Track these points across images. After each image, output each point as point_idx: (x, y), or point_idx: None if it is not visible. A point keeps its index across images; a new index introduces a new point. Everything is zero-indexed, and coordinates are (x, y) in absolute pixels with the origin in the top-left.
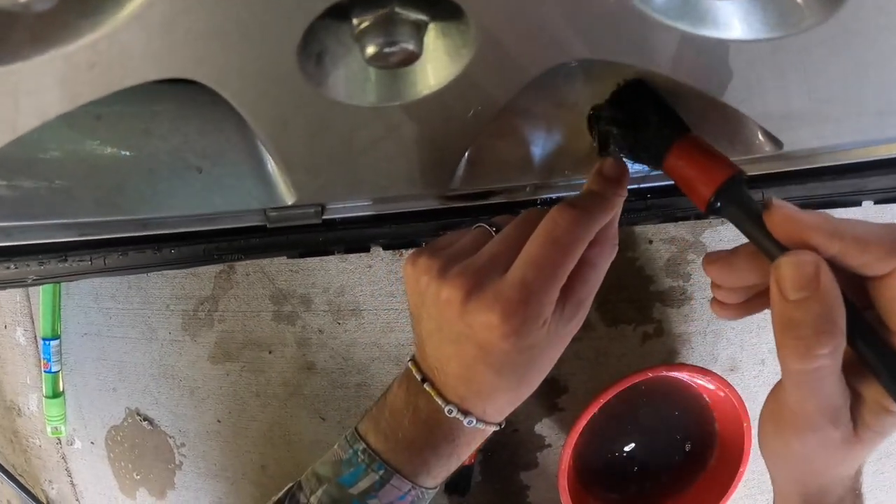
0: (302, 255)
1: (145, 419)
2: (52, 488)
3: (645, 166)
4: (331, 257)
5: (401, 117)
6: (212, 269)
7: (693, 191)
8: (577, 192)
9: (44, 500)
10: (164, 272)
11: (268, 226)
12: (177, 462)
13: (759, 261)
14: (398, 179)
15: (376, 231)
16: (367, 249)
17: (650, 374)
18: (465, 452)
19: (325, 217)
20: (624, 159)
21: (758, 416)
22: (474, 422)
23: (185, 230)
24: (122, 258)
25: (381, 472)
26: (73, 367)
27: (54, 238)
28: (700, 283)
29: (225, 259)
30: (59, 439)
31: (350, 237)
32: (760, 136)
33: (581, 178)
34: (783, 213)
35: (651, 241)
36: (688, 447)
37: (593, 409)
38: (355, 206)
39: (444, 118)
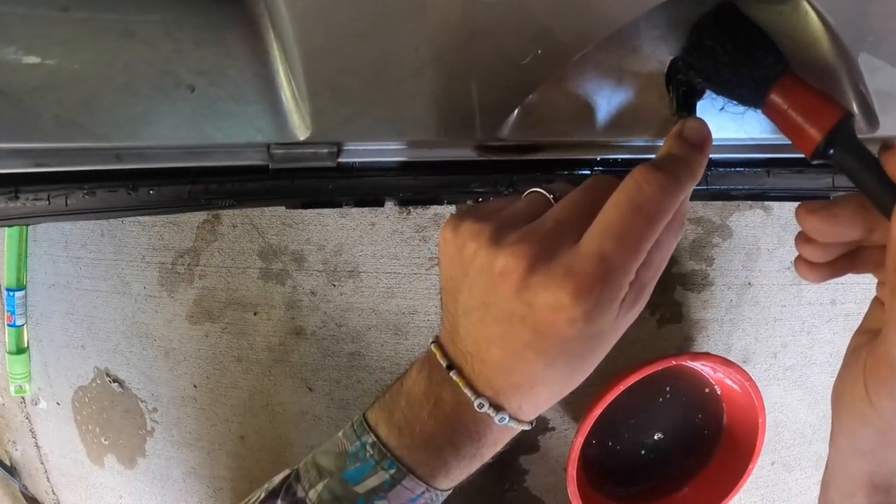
0: (305, 206)
1: (115, 381)
2: (17, 450)
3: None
4: (329, 211)
5: (479, 21)
6: (194, 218)
7: (800, 134)
8: (634, 155)
9: (8, 462)
10: (141, 219)
11: (270, 166)
12: (148, 428)
13: (867, 214)
14: (442, 117)
15: (396, 182)
16: (381, 203)
17: (673, 363)
18: (488, 453)
19: (340, 160)
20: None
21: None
22: (507, 419)
23: (168, 166)
24: (88, 198)
25: (393, 470)
26: (39, 320)
27: (2, 168)
28: (722, 269)
29: (215, 205)
30: (23, 398)
31: (364, 187)
32: (856, 112)
33: (644, 140)
34: None
35: None
36: (694, 439)
37: (609, 399)
38: (377, 150)
39: (528, 39)
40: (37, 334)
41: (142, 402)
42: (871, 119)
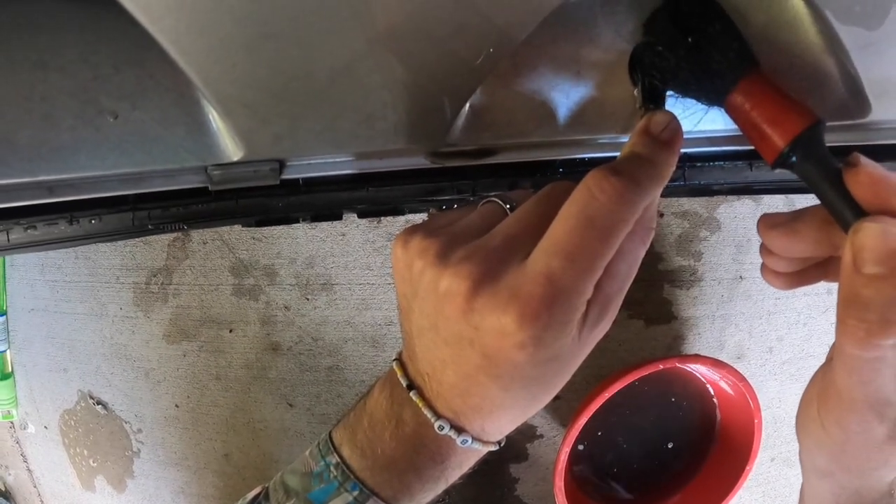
0: (260, 224)
1: (98, 403)
2: (10, 475)
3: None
4: (298, 224)
5: (399, 24)
6: (164, 237)
7: (763, 138)
8: (602, 153)
9: (2, 487)
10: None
11: (210, 188)
12: (134, 449)
13: (828, 229)
14: (378, 126)
15: (349, 195)
16: (338, 217)
17: (660, 367)
18: (454, 475)
19: (284, 177)
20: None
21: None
22: (469, 441)
23: (106, 195)
24: (29, 232)
25: (356, 492)
26: (22, 345)
27: None
28: (711, 263)
29: (163, 229)
30: (11, 423)
31: (318, 202)
32: (846, 96)
33: (611, 136)
34: (871, 174)
35: (662, 215)
36: (688, 442)
37: (594, 408)
38: (323, 164)
39: (455, 38)
40: (20, 359)
41: (126, 423)
42: (862, 104)
